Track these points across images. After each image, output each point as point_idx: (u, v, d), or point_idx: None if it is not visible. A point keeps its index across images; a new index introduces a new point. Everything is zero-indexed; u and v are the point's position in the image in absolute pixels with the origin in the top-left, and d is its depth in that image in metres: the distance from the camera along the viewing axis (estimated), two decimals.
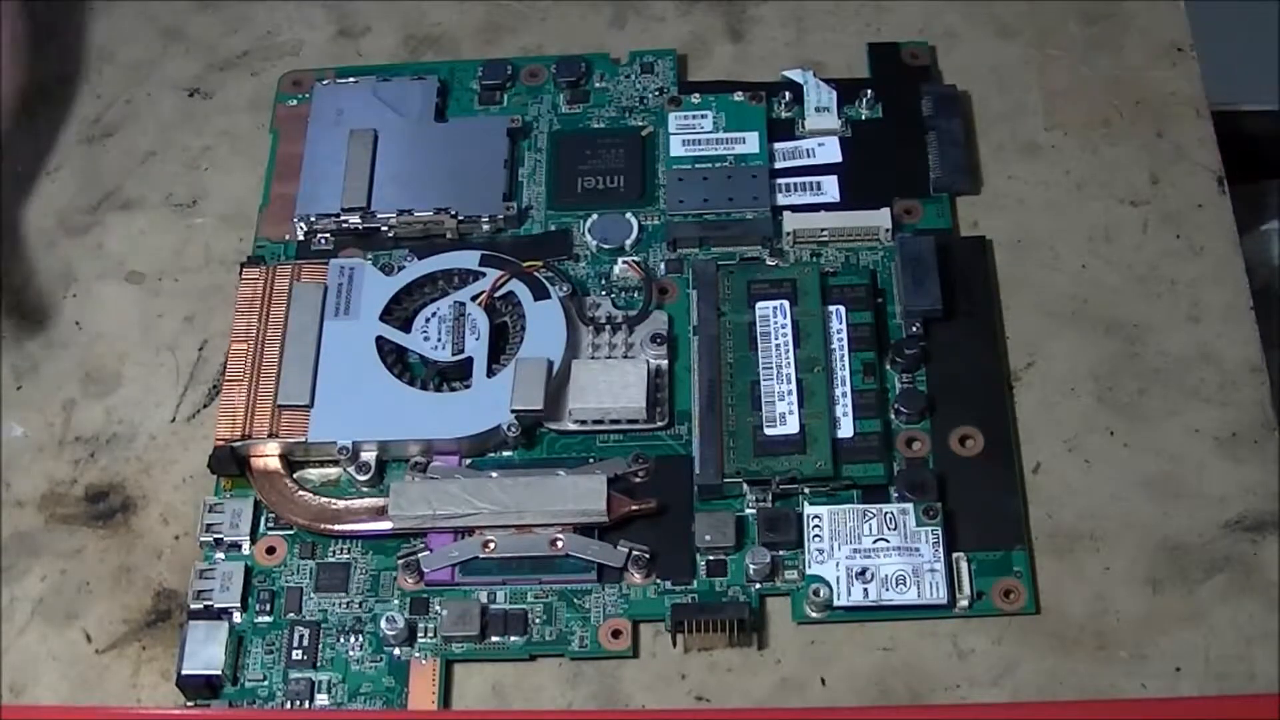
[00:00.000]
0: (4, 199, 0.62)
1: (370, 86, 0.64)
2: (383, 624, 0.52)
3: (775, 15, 0.67)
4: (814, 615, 0.52)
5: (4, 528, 0.56)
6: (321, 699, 0.52)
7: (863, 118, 0.63)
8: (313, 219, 0.61)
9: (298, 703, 0.52)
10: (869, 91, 0.62)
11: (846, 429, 0.55)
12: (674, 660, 0.52)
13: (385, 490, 0.55)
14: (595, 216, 0.61)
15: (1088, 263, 0.59)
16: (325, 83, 0.64)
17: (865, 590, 0.52)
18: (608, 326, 0.57)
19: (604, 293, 0.59)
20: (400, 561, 0.54)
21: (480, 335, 0.57)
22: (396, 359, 0.57)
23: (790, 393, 0.55)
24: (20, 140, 0.64)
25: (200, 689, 0.52)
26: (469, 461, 0.56)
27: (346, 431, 0.55)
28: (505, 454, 0.56)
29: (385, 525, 0.54)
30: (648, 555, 0.53)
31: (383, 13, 0.68)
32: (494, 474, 0.55)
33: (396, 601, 0.53)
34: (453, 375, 0.57)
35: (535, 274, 0.58)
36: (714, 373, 0.56)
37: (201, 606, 0.53)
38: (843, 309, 0.57)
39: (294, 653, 0.53)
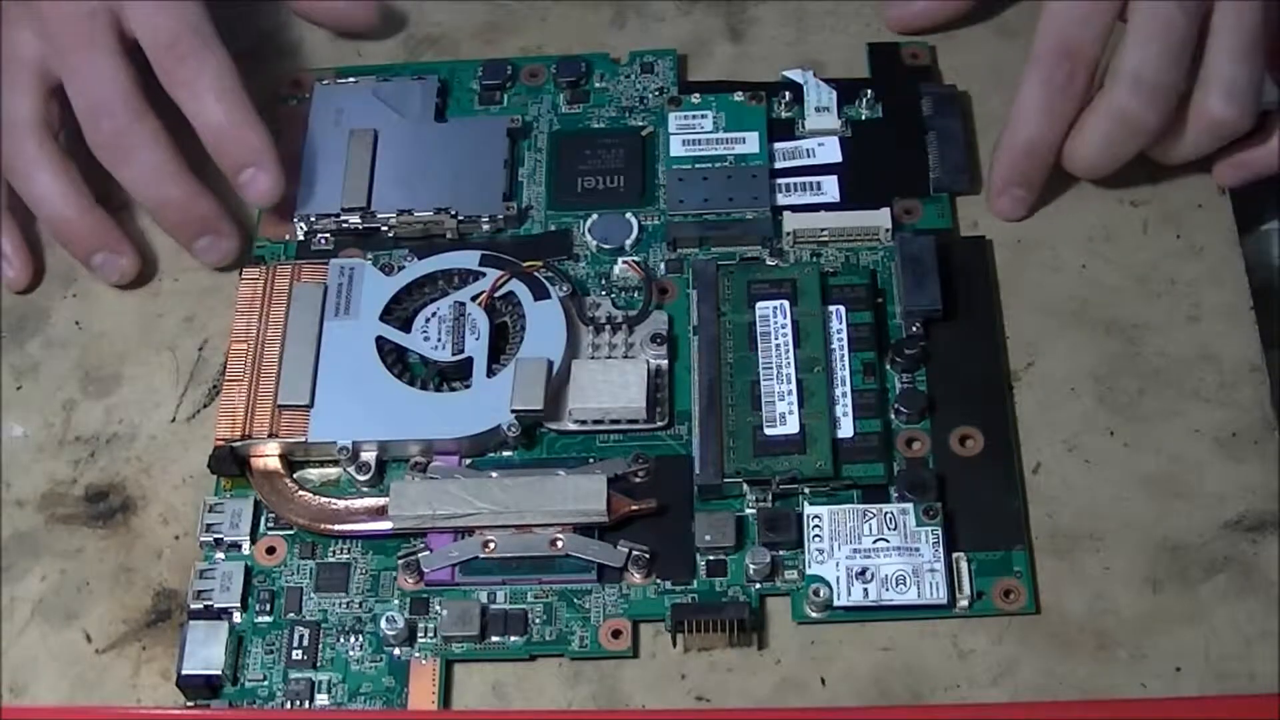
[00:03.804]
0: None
1: (370, 86, 0.64)
2: (383, 624, 0.52)
3: (775, 15, 0.67)
4: (814, 615, 0.52)
5: (4, 528, 0.56)
6: (321, 699, 0.52)
7: (863, 118, 0.63)
8: (313, 219, 0.61)
9: (298, 703, 0.52)
10: (869, 91, 0.62)
11: (846, 429, 0.55)
12: (674, 660, 0.52)
13: (385, 490, 0.55)
14: (595, 216, 0.61)
15: (1088, 263, 0.59)
16: (325, 83, 0.64)
17: (865, 590, 0.52)
18: (608, 326, 0.57)
19: (604, 293, 0.59)
20: (400, 561, 0.54)
21: (480, 335, 0.57)
22: (396, 359, 0.57)
23: (790, 393, 0.55)
24: None
25: (200, 689, 0.52)
26: (469, 461, 0.56)
27: (346, 431, 0.55)
28: (505, 454, 0.56)
29: (385, 525, 0.54)
30: (648, 555, 0.53)
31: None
32: (494, 474, 0.55)
33: (396, 601, 0.53)
34: (453, 375, 0.57)
35: (535, 274, 0.58)
36: (714, 373, 0.56)
37: (201, 606, 0.53)
38: (843, 309, 0.57)
39: (294, 653, 0.53)
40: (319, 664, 0.53)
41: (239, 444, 0.55)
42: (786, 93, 0.63)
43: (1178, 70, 0.56)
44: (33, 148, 0.59)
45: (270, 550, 0.55)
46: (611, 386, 0.56)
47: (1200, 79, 0.57)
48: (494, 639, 0.53)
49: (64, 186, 0.60)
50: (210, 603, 0.53)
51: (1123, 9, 0.57)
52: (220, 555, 0.55)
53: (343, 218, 0.61)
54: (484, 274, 0.58)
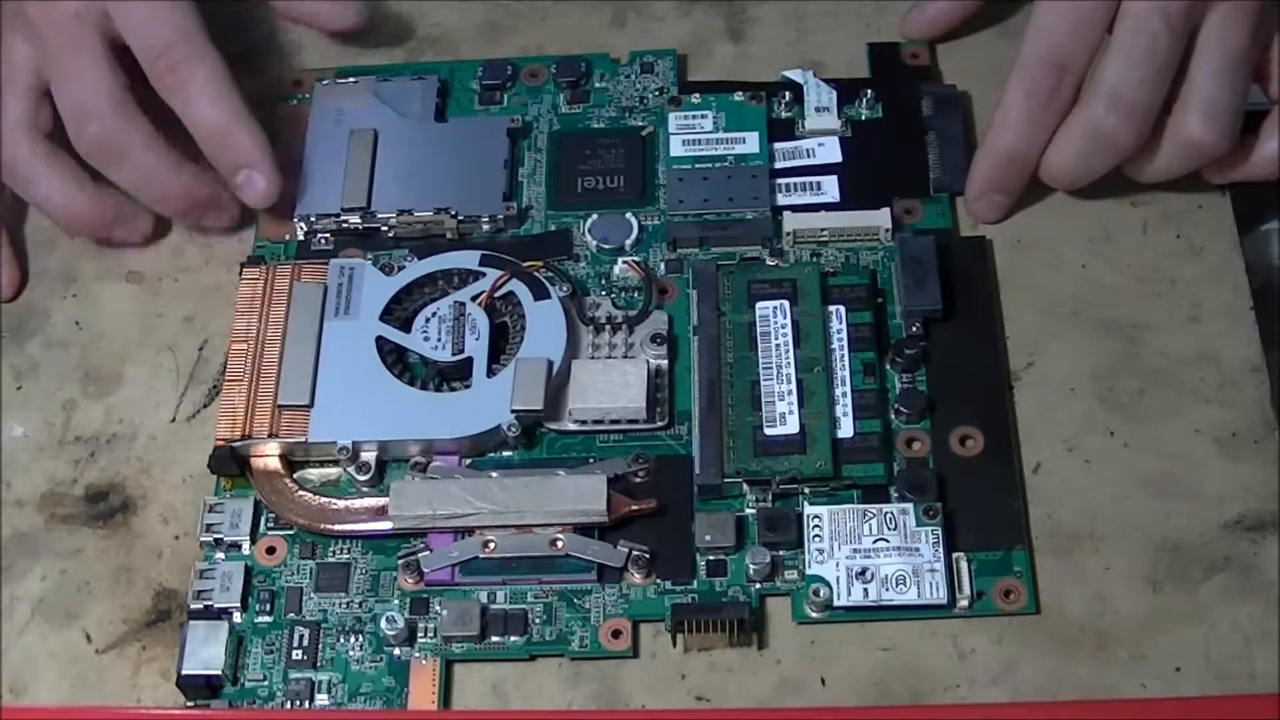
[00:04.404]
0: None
1: (370, 86, 0.64)
2: (383, 624, 0.52)
3: (775, 15, 0.67)
4: (814, 615, 0.52)
5: (4, 528, 0.56)
6: (321, 699, 0.52)
7: (863, 118, 0.63)
8: (313, 219, 0.61)
9: (298, 703, 0.52)
10: (869, 91, 0.62)
11: (846, 429, 0.55)
12: (674, 660, 0.52)
13: (385, 490, 0.55)
14: (595, 216, 0.61)
15: (1088, 263, 0.59)
16: (325, 83, 0.64)
17: (865, 590, 0.52)
18: (608, 326, 0.57)
19: (604, 293, 0.59)
20: (400, 561, 0.54)
21: (480, 335, 0.57)
22: (396, 359, 0.57)
23: (790, 393, 0.55)
24: None
25: (200, 689, 0.52)
26: (469, 461, 0.56)
27: (346, 431, 0.55)
28: (505, 454, 0.56)
29: (385, 525, 0.54)
30: (648, 555, 0.53)
31: (383, 13, 0.68)
32: (494, 474, 0.55)
33: (396, 601, 0.53)
34: (453, 375, 0.57)
35: (535, 274, 0.58)
36: (714, 373, 0.56)
37: (201, 606, 0.53)
38: (843, 309, 0.57)
39: (294, 653, 0.53)
40: (319, 664, 0.53)
41: (239, 444, 0.55)
42: (786, 93, 0.63)
43: (1157, 90, 0.56)
44: (25, 151, 0.59)
45: (270, 550, 0.55)
46: (611, 386, 0.56)
47: (1181, 97, 0.56)
48: (494, 639, 0.53)
49: (63, 178, 0.60)
50: (210, 603, 0.53)
51: (1112, 20, 0.56)
52: (220, 555, 0.55)
53: (343, 218, 0.61)
54: (484, 274, 0.58)
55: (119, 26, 0.59)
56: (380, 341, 0.57)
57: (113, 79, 0.59)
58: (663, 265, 0.60)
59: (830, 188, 0.61)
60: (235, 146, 0.59)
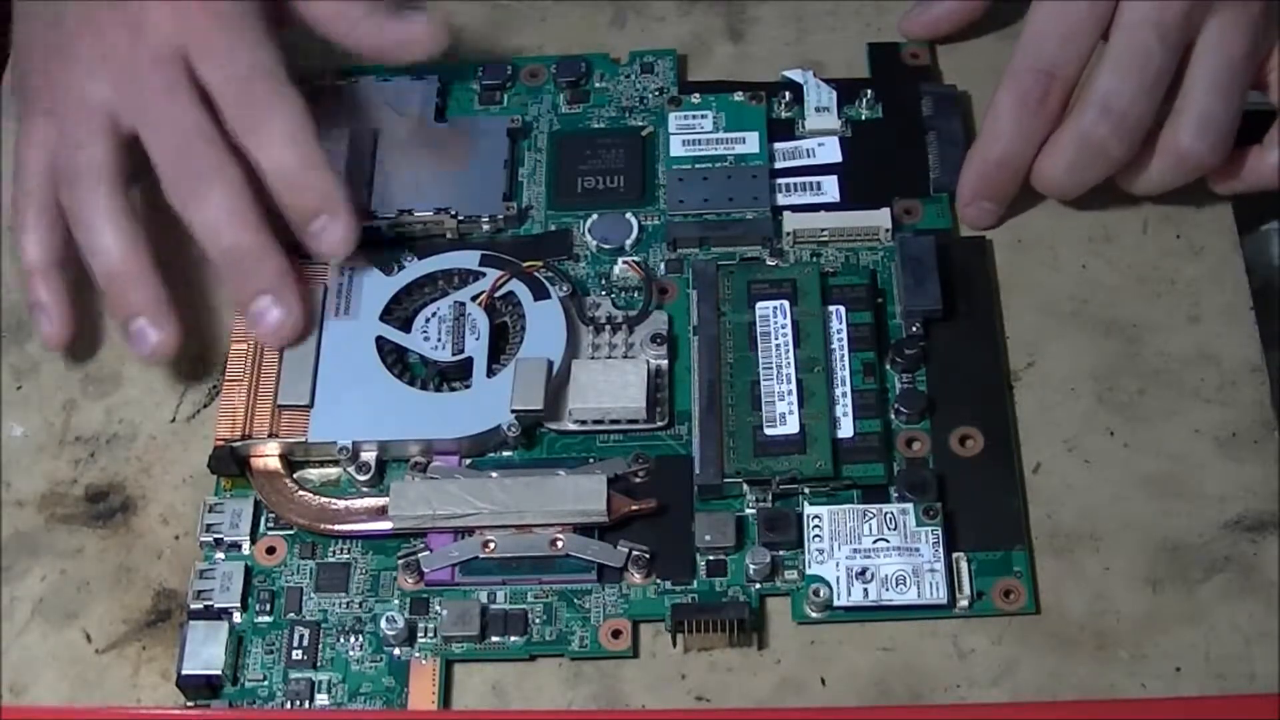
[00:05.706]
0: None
1: (370, 86, 0.64)
2: (383, 624, 0.52)
3: (775, 15, 0.67)
4: (814, 615, 0.52)
5: (4, 528, 0.56)
6: (321, 699, 0.52)
7: (863, 118, 0.63)
8: None
9: (298, 703, 0.52)
10: (869, 91, 0.62)
11: (846, 429, 0.55)
12: (674, 660, 0.52)
13: (385, 490, 0.55)
14: (595, 216, 0.61)
15: (1088, 263, 0.59)
16: (325, 83, 0.64)
17: (865, 590, 0.52)
18: (608, 326, 0.57)
19: (604, 293, 0.59)
20: (400, 561, 0.54)
21: (480, 335, 0.57)
22: (396, 359, 0.57)
23: (790, 393, 0.55)
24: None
25: (200, 689, 0.52)
26: (469, 461, 0.56)
27: (346, 431, 0.55)
28: (505, 454, 0.56)
29: (385, 525, 0.54)
30: (648, 555, 0.53)
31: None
32: (494, 474, 0.55)
33: (396, 601, 0.53)
34: (453, 375, 0.57)
35: (535, 274, 0.58)
36: (714, 373, 0.56)
37: (201, 606, 0.53)
38: (843, 309, 0.57)
39: (294, 653, 0.53)
40: (319, 664, 0.53)
41: (239, 444, 0.55)
42: (786, 93, 0.63)
43: (1150, 101, 0.55)
44: (103, 197, 0.56)
45: (270, 550, 0.55)
46: (611, 386, 0.56)
47: (1174, 109, 0.56)
48: (494, 639, 0.53)
49: (125, 243, 0.56)
50: (210, 603, 0.53)
51: (1106, 29, 0.56)
52: (220, 555, 0.55)
53: None
54: (484, 274, 0.58)
55: (200, 64, 0.56)
56: (380, 341, 0.57)
57: (208, 121, 0.55)
58: (663, 265, 0.60)
59: (830, 188, 0.61)
60: (311, 191, 0.56)
